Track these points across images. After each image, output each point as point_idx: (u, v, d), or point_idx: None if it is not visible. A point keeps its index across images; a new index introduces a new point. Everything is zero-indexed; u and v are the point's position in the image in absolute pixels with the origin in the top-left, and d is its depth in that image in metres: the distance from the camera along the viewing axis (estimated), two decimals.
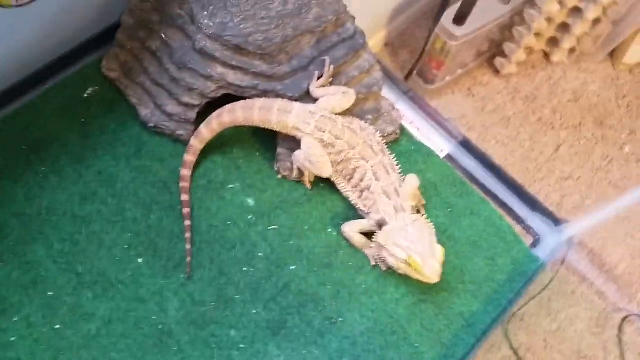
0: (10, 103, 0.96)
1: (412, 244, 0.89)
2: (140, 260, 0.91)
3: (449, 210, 1.02)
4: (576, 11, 1.89)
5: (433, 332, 0.93)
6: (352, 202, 0.97)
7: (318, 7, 0.94)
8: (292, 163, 0.98)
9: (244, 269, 0.93)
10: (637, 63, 2.10)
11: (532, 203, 1.03)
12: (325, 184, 1.00)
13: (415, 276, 0.90)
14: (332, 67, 0.95)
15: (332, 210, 1.00)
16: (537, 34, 1.94)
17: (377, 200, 0.94)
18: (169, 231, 0.94)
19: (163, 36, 0.93)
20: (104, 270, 0.90)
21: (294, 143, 0.97)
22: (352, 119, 0.96)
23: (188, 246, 0.92)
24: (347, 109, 0.96)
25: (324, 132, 0.92)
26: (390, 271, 0.95)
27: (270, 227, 0.97)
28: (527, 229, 1.03)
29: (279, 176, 1.01)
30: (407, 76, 2.00)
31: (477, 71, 2.12)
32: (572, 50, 2.04)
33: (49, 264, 0.89)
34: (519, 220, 1.04)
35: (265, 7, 0.91)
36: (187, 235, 0.93)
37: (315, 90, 0.95)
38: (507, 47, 2.00)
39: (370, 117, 1.00)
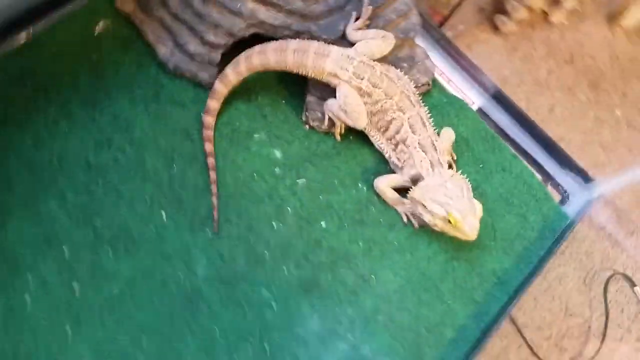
0: (12, 38, 0.86)
1: (451, 200, 0.85)
2: (163, 214, 0.85)
3: (480, 166, 0.99)
4: None
5: (466, 289, 0.91)
6: (386, 156, 0.93)
7: None
8: (322, 113, 0.92)
9: (273, 224, 0.88)
10: (634, 26, 2.10)
11: (562, 160, 1.01)
12: (355, 136, 0.95)
13: (453, 233, 0.86)
14: (370, 8, 0.89)
15: (363, 165, 0.95)
16: None
17: (412, 153, 0.89)
18: (193, 183, 0.87)
19: None
20: (124, 224, 0.83)
21: (326, 91, 0.90)
22: (389, 67, 0.90)
23: (215, 200, 0.86)
24: (383, 56, 0.90)
25: (362, 79, 0.86)
26: (422, 229, 0.92)
27: (299, 181, 0.91)
28: (556, 185, 1.01)
29: (307, 127, 0.95)
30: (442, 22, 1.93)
31: (477, 28, 2.08)
32: (573, 11, 2.01)
33: (63, 218, 0.81)
34: (548, 176, 1.02)
35: None
36: (213, 188, 0.86)
37: (352, 32, 0.88)
38: (509, 3, 1.95)
39: (405, 65, 0.94)
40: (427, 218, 0.87)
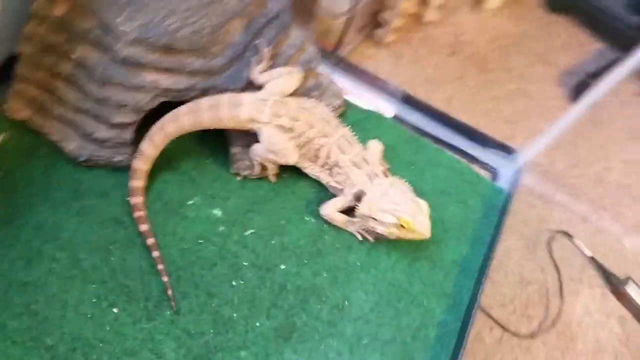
0: None
1: (397, 206, 0.87)
2: (115, 310, 0.80)
3: (412, 167, 1.02)
4: None
5: (435, 286, 0.92)
6: (324, 183, 0.94)
7: None
8: (250, 160, 0.91)
9: (233, 283, 0.85)
10: (497, 7, 2.29)
11: (481, 140, 1.06)
12: (289, 173, 0.95)
13: (408, 236, 0.88)
14: (269, 49, 0.90)
15: (304, 198, 0.95)
16: None
17: (348, 173, 0.91)
18: (137, 269, 0.83)
19: (74, 57, 0.81)
20: (77, 333, 0.77)
21: (248, 138, 0.90)
22: (302, 99, 0.92)
23: (165, 278, 0.82)
24: (294, 90, 0.92)
25: (280, 117, 0.87)
26: (379, 241, 0.93)
27: (247, 232, 0.90)
28: (484, 165, 1.06)
29: (239, 178, 0.94)
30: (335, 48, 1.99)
31: (362, 46, 2.18)
32: (441, 7, 2.16)
33: (11, 349, 0.74)
34: (474, 159, 1.07)
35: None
36: (160, 266, 0.82)
37: (258, 76, 0.89)
38: (383, 17, 2.07)
39: (315, 93, 0.96)
40: (380, 229, 0.88)
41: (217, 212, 0.90)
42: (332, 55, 1.08)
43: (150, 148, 0.85)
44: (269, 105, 0.87)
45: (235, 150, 0.92)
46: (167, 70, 0.84)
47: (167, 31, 0.81)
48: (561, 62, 2.25)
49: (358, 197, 0.91)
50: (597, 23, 2.29)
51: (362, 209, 0.89)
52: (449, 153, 1.05)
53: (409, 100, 1.07)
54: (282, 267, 0.88)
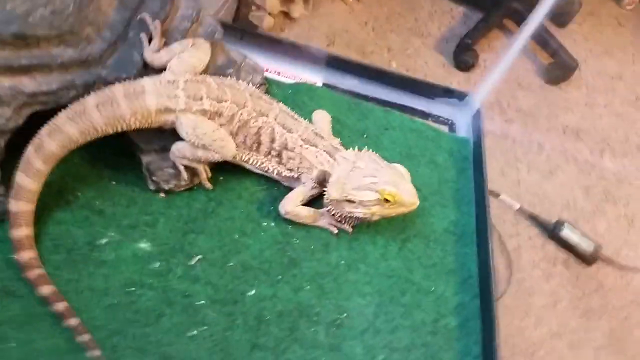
0: None
1: (374, 178, 0.69)
2: None
3: (364, 136, 0.85)
4: None
5: (436, 265, 0.76)
6: (274, 175, 0.73)
7: None
8: (173, 166, 0.68)
9: (193, 333, 0.62)
10: None
11: (428, 91, 0.92)
12: (224, 174, 0.73)
13: (395, 211, 0.71)
14: (157, 22, 0.68)
15: (255, 200, 0.73)
16: None
17: (302, 154, 0.71)
18: (52, 351, 0.57)
19: None
20: None
21: (162, 138, 0.67)
22: (220, 78, 0.70)
23: (96, 353, 0.57)
24: (205, 66, 0.70)
25: (200, 99, 0.65)
26: (358, 229, 0.74)
27: (193, 262, 0.66)
28: (437, 118, 0.93)
29: (162, 195, 0.70)
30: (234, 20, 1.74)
31: None
32: (306, 1, 2.06)
33: None
34: (425, 114, 0.93)
35: None
36: (84, 337, 0.57)
37: (154, 56, 0.66)
38: (252, 17, 1.92)
39: (230, 71, 0.75)
40: (359, 212, 0.70)
41: (145, 245, 0.66)
42: (230, 28, 0.87)
43: (30, 179, 0.59)
44: (180, 87, 0.64)
45: (148, 158, 0.68)
46: (28, 68, 0.59)
47: (14, 16, 0.57)
48: (433, 31, 2.24)
49: (321, 181, 0.71)
50: None
51: (331, 193, 0.70)
52: (397, 113, 0.90)
53: (336, 64, 0.90)
54: (251, 292, 0.66)
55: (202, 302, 0.64)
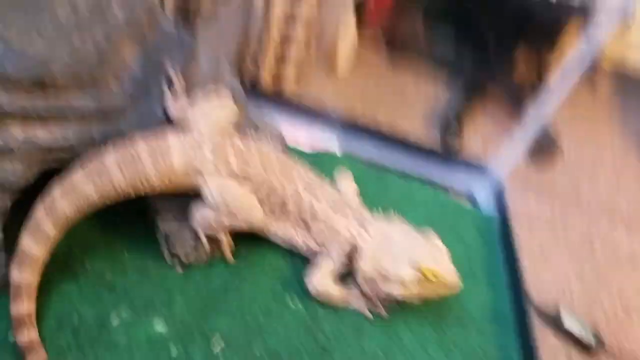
0: None
1: (411, 253, 0.64)
2: None
3: (387, 208, 0.80)
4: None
5: (476, 353, 0.68)
6: (300, 247, 0.66)
7: (118, 4, 0.61)
8: (194, 237, 0.61)
9: None
10: (348, 69, 2.28)
11: (446, 163, 0.89)
12: (246, 246, 0.66)
13: (436, 292, 0.64)
14: (179, 73, 0.63)
15: (279, 276, 0.66)
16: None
17: (332, 224, 0.65)
18: None
19: None
20: None
21: (183, 205, 0.61)
22: (246, 139, 0.65)
23: None
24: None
25: (229, 162, 0.60)
26: (394, 311, 0.67)
27: (214, 346, 0.58)
28: (455, 191, 0.89)
29: (180, 269, 0.62)
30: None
31: None
32: (298, 79, 2.10)
33: None
34: (443, 187, 0.89)
35: (47, 16, 0.54)
36: None
37: (179, 112, 0.61)
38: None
39: (253, 132, 0.70)
40: (395, 291, 0.63)
41: (160, 326, 0.57)
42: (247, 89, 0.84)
43: (37, 246, 0.51)
44: (209, 149, 0.59)
45: (167, 227, 0.61)
46: (44, 118, 0.53)
47: (35, 58, 0.51)
48: (420, 105, 2.29)
49: (350, 256, 0.65)
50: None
51: (364, 268, 0.63)
52: (419, 184, 0.86)
53: (354, 130, 0.86)
54: None
55: None
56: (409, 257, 0.63)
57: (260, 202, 0.62)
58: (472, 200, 0.89)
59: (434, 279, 0.63)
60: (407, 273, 0.63)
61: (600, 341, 1.50)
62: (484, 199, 0.90)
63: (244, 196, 0.60)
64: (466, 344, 0.69)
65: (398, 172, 0.88)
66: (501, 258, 0.81)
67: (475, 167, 0.90)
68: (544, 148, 1.98)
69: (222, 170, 0.59)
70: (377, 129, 0.88)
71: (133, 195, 0.56)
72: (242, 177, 0.60)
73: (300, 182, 0.65)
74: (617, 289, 1.82)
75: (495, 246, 0.82)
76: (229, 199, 0.59)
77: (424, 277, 0.63)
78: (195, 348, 0.57)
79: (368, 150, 0.88)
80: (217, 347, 0.58)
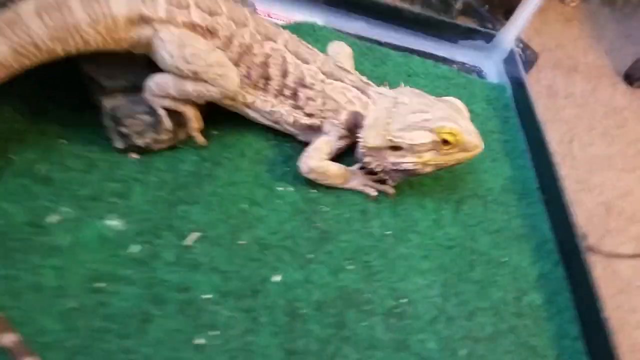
0: None
1: (425, 114, 0.52)
2: None
3: (385, 84, 0.68)
4: None
5: (501, 231, 0.58)
6: (288, 123, 0.54)
7: None
8: (149, 112, 0.48)
9: (200, 341, 0.41)
10: None
11: (452, 35, 0.76)
12: (220, 126, 0.54)
13: (455, 158, 0.53)
14: None
15: (262, 159, 0.54)
16: None
17: (326, 91, 0.53)
18: None
19: None
20: None
21: (132, 72, 0.47)
22: None
23: None
24: None
25: (187, 8, 0.46)
26: (399, 191, 0.56)
27: (187, 240, 0.46)
28: (462, 65, 0.76)
29: (134, 155, 0.50)
30: None
31: None
32: None
33: None
34: (446, 60, 0.76)
35: None
36: None
37: None
38: None
39: None
40: (408, 162, 0.52)
41: (115, 222, 0.45)
42: None
43: None
44: None
45: (113, 102, 0.48)
46: None
47: None
48: None
49: (352, 127, 0.53)
50: None
51: (368, 139, 0.52)
52: (419, 58, 0.73)
53: (339, 2, 0.72)
54: (276, 279, 0.46)
55: (209, 296, 0.44)
56: (422, 118, 0.51)
57: (232, 63, 0.50)
58: (479, 74, 0.77)
59: (453, 141, 0.51)
60: (421, 135, 0.51)
61: (583, 240, 1.43)
62: (492, 69, 0.78)
63: (211, 53, 0.47)
64: (488, 219, 0.58)
65: (394, 46, 0.75)
66: (519, 127, 0.69)
67: (482, 34, 0.77)
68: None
69: (179, 19, 0.45)
70: (368, 2, 0.73)
71: (61, 53, 0.43)
72: (207, 30, 0.47)
73: (281, 40, 0.52)
74: None
75: (512, 116, 0.71)
76: (191, 55, 0.45)
77: (440, 141, 0.51)
78: (163, 243, 0.45)
79: (359, 26, 0.74)
80: (191, 239, 0.46)
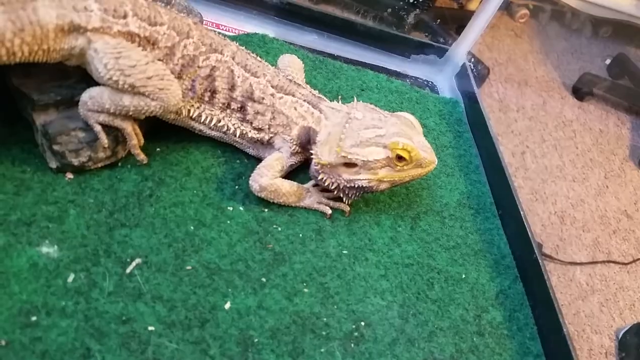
0: None
1: (378, 129, 0.50)
2: None
3: (339, 98, 0.66)
4: None
5: (458, 247, 0.57)
6: (235, 137, 0.51)
7: None
8: (84, 128, 0.45)
9: None
10: None
11: (403, 48, 0.75)
12: (164, 142, 0.51)
13: (409, 174, 0.51)
14: None
15: (210, 177, 0.51)
16: None
17: (275, 105, 0.51)
18: None
19: None
20: None
21: (65, 86, 0.44)
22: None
23: None
24: None
25: (124, 17, 0.43)
26: (355, 209, 0.54)
27: (128, 270, 0.43)
28: (414, 80, 0.76)
29: (69, 175, 0.46)
30: None
31: None
32: None
33: None
34: (399, 74, 0.75)
35: None
36: None
37: None
38: None
39: (161, 3, 0.54)
40: (362, 179, 0.50)
41: (48, 249, 0.41)
42: None
43: None
44: None
45: (44, 117, 0.44)
46: None
47: None
48: None
49: (305, 143, 0.51)
50: None
51: (322, 155, 0.50)
52: (372, 72, 0.72)
53: (290, 14, 0.71)
54: (226, 306, 0.43)
55: (153, 327, 0.40)
56: (376, 134, 0.50)
57: (174, 75, 0.47)
58: (432, 89, 0.77)
59: (407, 157, 0.50)
60: (374, 152, 0.50)
61: (539, 249, 1.46)
62: (444, 84, 0.77)
63: (150, 64, 0.44)
64: (444, 236, 0.57)
65: (347, 60, 0.73)
66: (472, 142, 0.69)
67: (433, 51, 0.76)
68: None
69: (114, 27, 0.42)
70: (320, 12, 0.72)
71: None
72: (146, 40, 0.44)
73: (228, 52, 0.49)
74: None
75: (465, 130, 0.70)
76: (128, 67, 0.42)
77: (394, 158, 0.50)
78: (101, 271, 0.41)
79: (312, 39, 0.73)
80: (132, 266, 0.43)
